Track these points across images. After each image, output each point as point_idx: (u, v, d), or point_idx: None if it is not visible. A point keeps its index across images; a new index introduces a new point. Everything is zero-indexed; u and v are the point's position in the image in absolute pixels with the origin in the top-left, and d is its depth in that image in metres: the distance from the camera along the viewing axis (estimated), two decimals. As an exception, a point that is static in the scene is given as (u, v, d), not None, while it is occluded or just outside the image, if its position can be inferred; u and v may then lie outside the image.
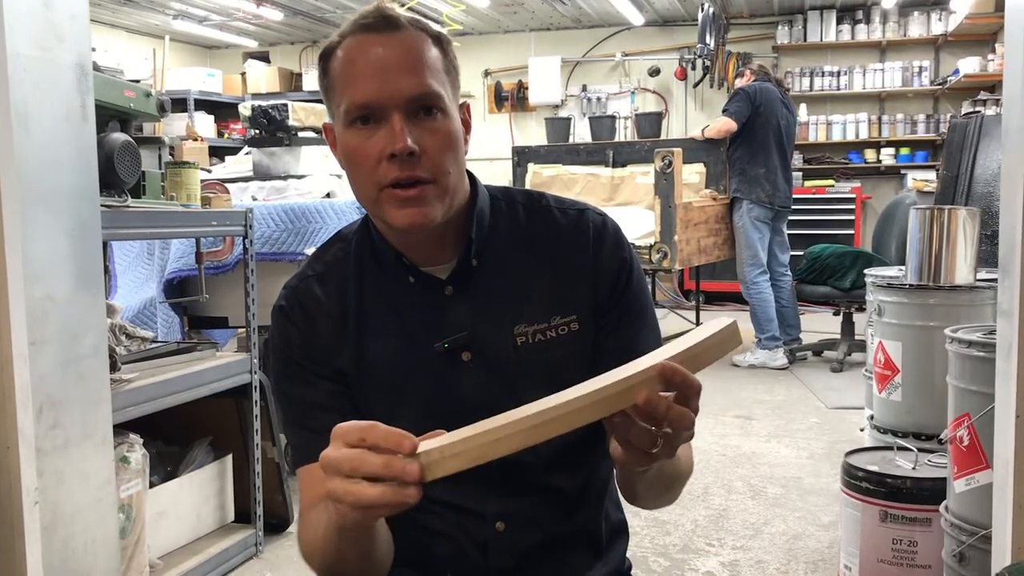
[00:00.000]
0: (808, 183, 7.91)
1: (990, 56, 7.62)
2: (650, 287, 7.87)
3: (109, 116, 2.31)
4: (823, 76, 8.34)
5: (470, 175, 1.14)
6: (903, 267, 2.87)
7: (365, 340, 1.12)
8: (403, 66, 1.01)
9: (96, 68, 2.08)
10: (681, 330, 6.12)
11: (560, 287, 1.12)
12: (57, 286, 1.71)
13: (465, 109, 1.11)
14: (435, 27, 1.07)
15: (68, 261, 1.73)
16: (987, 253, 3.12)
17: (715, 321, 0.86)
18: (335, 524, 0.94)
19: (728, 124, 5.55)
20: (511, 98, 9.09)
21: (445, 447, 0.80)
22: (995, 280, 2.47)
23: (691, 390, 0.81)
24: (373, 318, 1.13)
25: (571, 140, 7.16)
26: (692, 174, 5.77)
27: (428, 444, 0.81)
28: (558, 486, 1.14)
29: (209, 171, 4.20)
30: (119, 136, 2.22)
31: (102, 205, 1.93)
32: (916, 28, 8.15)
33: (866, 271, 3.12)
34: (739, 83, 5.77)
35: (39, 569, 1.67)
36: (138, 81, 2.69)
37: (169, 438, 2.64)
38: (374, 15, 1.04)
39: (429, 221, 1.03)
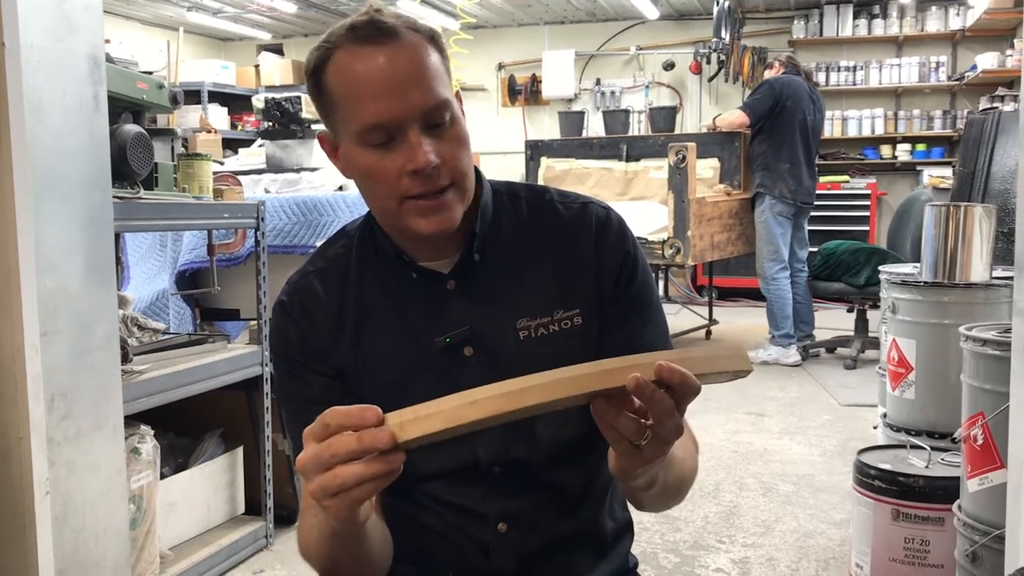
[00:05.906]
0: (823, 179, 7.83)
1: (1008, 52, 7.54)
2: (663, 283, 7.88)
3: (122, 107, 2.31)
4: (839, 71, 8.28)
5: (475, 169, 1.13)
6: (918, 264, 2.84)
7: (365, 336, 1.11)
8: (411, 79, 0.99)
9: (109, 60, 2.08)
10: (693, 326, 6.12)
11: (562, 281, 1.11)
12: (69, 277, 1.71)
13: (456, 98, 1.09)
14: (425, 23, 1.05)
15: (80, 252, 1.74)
16: (1003, 251, 3.09)
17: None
18: (326, 528, 0.93)
19: (741, 117, 5.48)
20: (524, 92, 9.08)
21: (417, 407, 0.77)
22: (1011, 278, 2.45)
23: (688, 389, 0.80)
24: (374, 314, 1.11)
25: (584, 134, 7.14)
26: (706, 169, 5.74)
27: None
28: (560, 485, 1.13)
29: (222, 163, 4.21)
30: (132, 127, 2.23)
31: (114, 196, 1.94)
32: (933, 23, 8.09)
33: (881, 268, 3.09)
34: (768, 75, 5.66)
35: (50, 559, 1.68)
36: (151, 73, 2.69)
37: (180, 430, 2.65)
38: (368, 25, 1.00)
39: (452, 225, 1.03)
